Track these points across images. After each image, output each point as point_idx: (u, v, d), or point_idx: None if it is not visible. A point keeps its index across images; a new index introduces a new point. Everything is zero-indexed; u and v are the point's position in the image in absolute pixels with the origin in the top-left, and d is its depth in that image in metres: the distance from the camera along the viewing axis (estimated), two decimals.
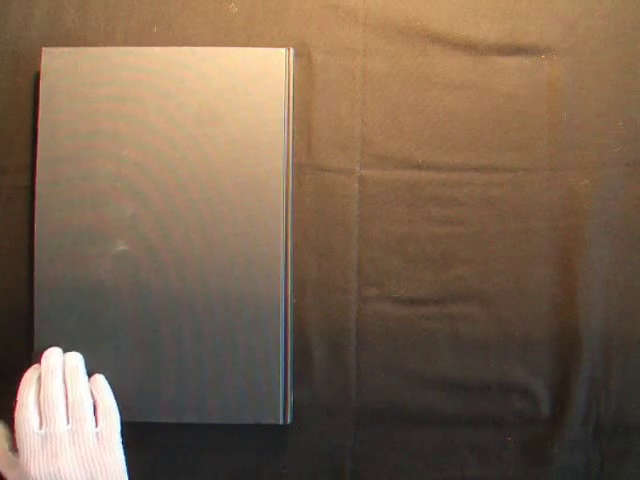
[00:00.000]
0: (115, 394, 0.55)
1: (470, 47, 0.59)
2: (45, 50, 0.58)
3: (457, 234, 0.59)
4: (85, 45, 0.60)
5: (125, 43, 0.60)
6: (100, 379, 0.56)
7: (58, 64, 0.58)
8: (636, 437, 0.57)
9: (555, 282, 0.58)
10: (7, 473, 0.53)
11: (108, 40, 0.60)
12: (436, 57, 0.60)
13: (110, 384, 0.56)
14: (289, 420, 0.57)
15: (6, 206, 0.59)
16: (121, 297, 0.57)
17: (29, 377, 0.54)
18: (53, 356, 0.55)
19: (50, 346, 0.56)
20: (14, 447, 0.53)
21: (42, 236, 0.57)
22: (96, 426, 0.53)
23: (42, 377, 0.54)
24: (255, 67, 0.58)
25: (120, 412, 0.55)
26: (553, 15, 0.60)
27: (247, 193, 0.57)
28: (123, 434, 0.54)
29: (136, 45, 0.60)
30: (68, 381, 0.54)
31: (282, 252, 0.57)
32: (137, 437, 0.55)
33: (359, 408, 0.58)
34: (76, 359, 0.56)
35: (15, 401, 0.53)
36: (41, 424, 0.52)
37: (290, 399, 0.57)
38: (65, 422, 0.53)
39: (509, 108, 0.59)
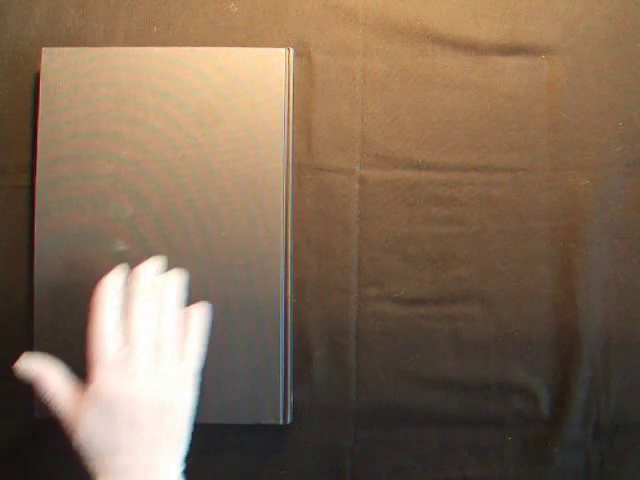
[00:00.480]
0: None
1: (470, 47, 0.59)
2: (45, 50, 0.58)
3: (457, 234, 0.59)
4: (85, 45, 0.60)
5: (125, 43, 0.60)
6: (197, 316, 0.52)
7: (58, 64, 0.58)
8: (636, 437, 0.57)
9: (555, 282, 0.58)
10: (66, 404, 0.50)
11: (108, 40, 0.60)
12: (436, 57, 0.60)
13: None
14: (289, 420, 0.57)
15: (6, 206, 0.59)
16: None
17: (112, 289, 0.50)
18: (151, 276, 0.51)
19: (50, 346, 0.56)
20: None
21: (42, 236, 0.57)
22: (178, 362, 0.51)
23: (133, 295, 0.50)
24: (255, 67, 0.58)
25: None
26: (553, 15, 0.60)
27: (247, 193, 0.57)
28: None
29: (136, 45, 0.60)
30: (160, 307, 0.51)
31: (282, 252, 0.57)
32: None
33: (359, 408, 0.58)
34: (176, 284, 0.52)
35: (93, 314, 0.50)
36: (122, 344, 0.49)
37: (290, 399, 0.57)
38: (148, 350, 0.49)
39: (509, 108, 0.59)
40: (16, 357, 0.58)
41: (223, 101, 0.58)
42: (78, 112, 0.58)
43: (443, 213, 0.59)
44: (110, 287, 0.51)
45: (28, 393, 0.57)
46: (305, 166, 0.59)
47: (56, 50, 0.58)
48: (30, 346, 0.57)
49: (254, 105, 0.58)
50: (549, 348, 0.58)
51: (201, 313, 0.53)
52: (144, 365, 0.49)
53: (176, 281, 0.53)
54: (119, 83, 0.58)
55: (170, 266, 0.57)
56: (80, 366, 0.56)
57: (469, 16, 0.60)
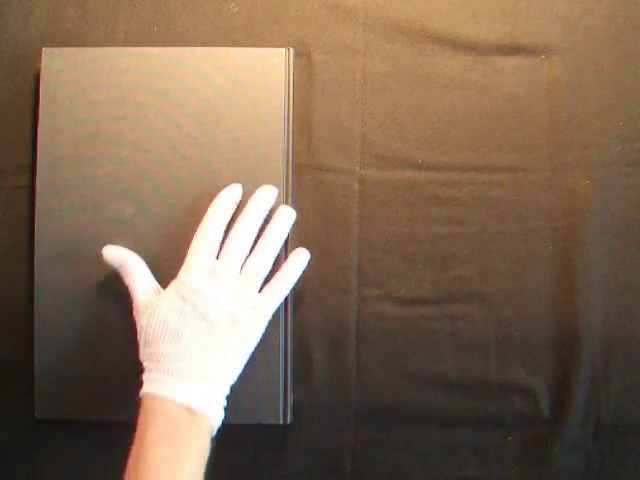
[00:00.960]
0: (116, 394, 0.55)
1: (470, 47, 0.59)
2: (45, 51, 0.58)
3: (457, 234, 0.59)
4: (85, 45, 0.60)
5: (125, 43, 0.60)
6: (302, 256, 0.55)
7: (58, 65, 0.58)
8: (636, 437, 0.57)
9: (555, 282, 0.58)
10: (142, 290, 0.53)
11: (108, 40, 0.60)
12: (436, 57, 0.60)
13: (111, 384, 0.56)
14: (289, 420, 0.57)
15: (6, 206, 0.59)
16: (122, 297, 0.56)
17: (226, 202, 0.54)
18: (267, 198, 0.55)
19: (50, 345, 0.56)
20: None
21: (42, 236, 0.57)
22: (260, 292, 0.53)
23: (244, 214, 0.54)
24: (255, 67, 0.58)
25: (122, 411, 0.55)
26: (553, 15, 0.60)
27: (247, 193, 0.57)
28: (127, 432, 0.53)
29: (136, 45, 0.60)
30: (266, 236, 0.54)
31: (282, 252, 0.57)
32: None
33: (359, 408, 0.58)
34: (289, 218, 0.55)
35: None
36: (215, 258, 0.53)
37: (290, 399, 0.57)
38: (236, 269, 0.53)
39: (509, 108, 0.59)
40: (16, 357, 0.58)
41: (223, 101, 0.58)
42: (78, 112, 0.58)
43: (443, 213, 0.59)
44: (224, 199, 0.55)
45: (28, 393, 0.57)
46: (305, 166, 0.59)
47: (56, 50, 0.58)
48: (30, 346, 0.57)
49: (254, 105, 0.58)
50: (549, 348, 0.58)
51: (301, 257, 0.55)
52: (229, 279, 0.52)
53: (286, 217, 0.55)
54: (119, 83, 0.58)
55: (171, 266, 0.57)
56: (82, 365, 0.56)
57: (469, 16, 0.60)
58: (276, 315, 0.56)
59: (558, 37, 0.59)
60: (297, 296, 0.58)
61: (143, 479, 0.46)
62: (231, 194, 0.55)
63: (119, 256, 0.54)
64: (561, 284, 0.58)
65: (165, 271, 0.56)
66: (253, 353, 0.55)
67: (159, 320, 0.51)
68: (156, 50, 0.58)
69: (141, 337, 0.52)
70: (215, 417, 0.50)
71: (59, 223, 0.57)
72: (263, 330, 0.53)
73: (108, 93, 0.58)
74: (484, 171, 0.59)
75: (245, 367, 0.54)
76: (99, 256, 0.55)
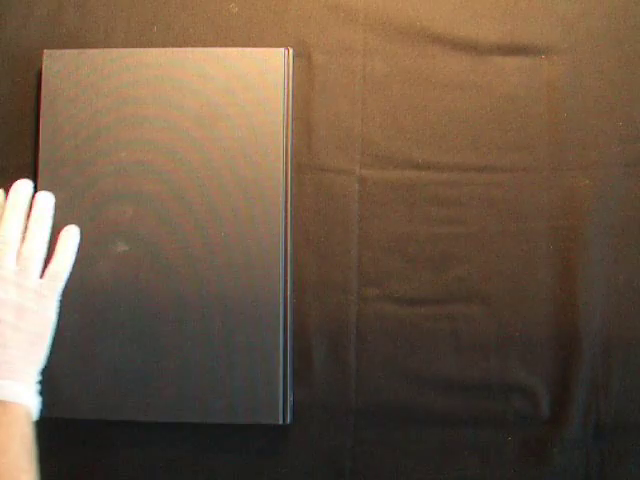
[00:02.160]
0: (115, 393, 0.55)
1: (470, 47, 0.59)
2: (46, 52, 0.58)
3: (457, 234, 0.59)
4: (85, 45, 0.60)
5: (125, 43, 0.60)
6: (71, 233, 0.57)
7: (59, 66, 0.58)
8: (636, 437, 0.57)
9: (555, 282, 0.58)
10: None
11: (108, 40, 0.60)
12: (436, 57, 0.60)
13: (110, 383, 0.56)
14: (289, 420, 0.57)
15: None
16: (121, 297, 0.57)
17: None
18: (22, 191, 0.56)
19: (50, 346, 0.56)
20: None
21: None
22: (41, 277, 0.55)
23: (5, 210, 0.55)
24: (254, 67, 0.58)
25: (120, 411, 0.55)
26: (553, 15, 0.60)
27: (247, 193, 0.57)
28: (126, 431, 0.53)
29: (136, 45, 0.60)
30: (31, 224, 0.56)
31: (282, 252, 0.57)
32: (137, 436, 0.55)
33: (359, 408, 0.58)
34: (47, 201, 0.57)
35: None
36: None
37: (290, 399, 0.57)
38: (13, 264, 0.54)
39: (509, 108, 0.59)
40: None
41: (223, 101, 0.58)
42: (79, 113, 0.58)
43: (443, 213, 0.59)
44: None
45: None
46: (305, 166, 0.59)
47: (57, 52, 0.58)
48: None
49: (254, 105, 0.58)
50: (549, 348, 0.58)
51: (70, 233, 0.57)
52: (6, 274, 0.54)
53: (44, 202, 0.57)
54: (120, 84, 0.58)
55: (171, 265, 0.57)
56: (83, 364, 0.56)
57: (469, 16, 0.60)
58: (276, 315, 0.56)
59: (558, 37, 0.59)
60: (297, 296, 0.58)
61: None
62: None
63: None
64: (561, 284, 0.58)
65: (165, 270, 0.57)
66: (253, 353, 0.55)
67: None
68: (156, 51, 0.58)
69: None
70: (29, 402, 0.52)
71: (59, 223, 0.57)
72: (54, 313, 0.55)
73: (109, 94, 0.58)
74: (484, 171, 0.59)
75: (244, 367, 0.54)
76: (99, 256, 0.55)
